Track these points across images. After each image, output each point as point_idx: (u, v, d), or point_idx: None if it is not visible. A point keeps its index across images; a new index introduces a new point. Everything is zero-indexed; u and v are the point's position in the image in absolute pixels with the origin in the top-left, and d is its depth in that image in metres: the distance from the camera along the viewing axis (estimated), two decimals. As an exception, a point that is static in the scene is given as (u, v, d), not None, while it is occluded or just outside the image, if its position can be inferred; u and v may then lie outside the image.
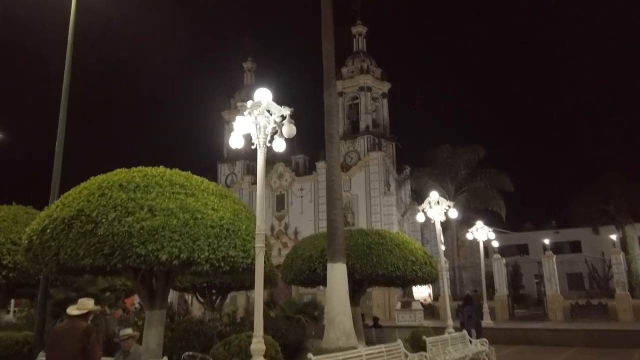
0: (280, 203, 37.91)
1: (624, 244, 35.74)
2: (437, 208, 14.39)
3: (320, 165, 36.62)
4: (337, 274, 10.69)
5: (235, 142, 7.58)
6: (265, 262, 8.78)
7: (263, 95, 7.47)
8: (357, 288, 14.21)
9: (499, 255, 27.47)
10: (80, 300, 5.99)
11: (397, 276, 13.13)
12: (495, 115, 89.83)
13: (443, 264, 14.63)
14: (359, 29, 39.81)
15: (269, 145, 7.54)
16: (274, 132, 7.68)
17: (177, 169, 9.04)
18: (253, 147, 7.54)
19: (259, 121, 7.40)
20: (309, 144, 44.71)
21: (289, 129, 7.35)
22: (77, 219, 7.37)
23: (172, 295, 34.66)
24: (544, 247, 32.01)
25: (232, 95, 44.01)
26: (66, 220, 7.41)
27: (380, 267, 12.89)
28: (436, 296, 29.75)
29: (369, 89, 37.31)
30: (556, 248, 37.23)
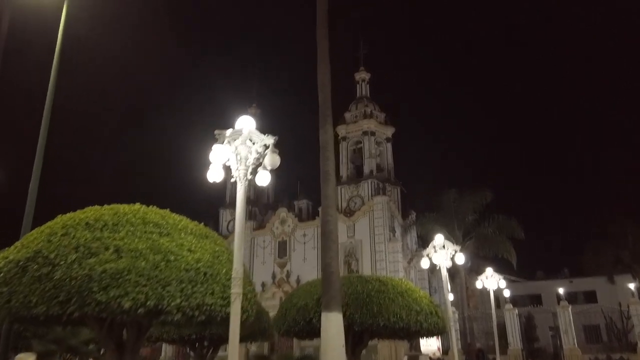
0: (282, 249, 36.80)
1: (642, 294, 33.95)
2: (443, 253, 13.40)
3: (324, 211, 35.80)
4: (333, 324, 9.65)
5: (214, 175, 6.83)
6: (248, 311, 7.86)
7: (245, 122, 6.78)
8: (357, 341, 13.04)
9: (511, 305, 26.04)
10: (18, 357, 5.08)
11: (400, 327, 11.99)
12: (503, 160, 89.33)
13: (451, 314, 13.47)
14: (362, 75, 40.02)
15: (250, 177, 6.77)
16: (258, 165, 6.95)
17: (154, 206, 8.27)
18: (233, 180, 6.77)
19: (239, 151, 6.68)
20: (313, 188, 43.93)
21: (272, 160, 6.61)
22: (33, 261, 6.55)
23: (169, 349, 33.05)
24: (558, 297, 30.48)
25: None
26: (21, 263, 6.59)
27: (382, 317, 11.79)
28: (446, 349, 28.03)
29: (373, 134, 36.98)
30: (570, 298, 35.56)
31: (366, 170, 35.98)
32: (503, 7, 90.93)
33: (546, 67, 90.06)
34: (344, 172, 37.03)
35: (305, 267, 34.75)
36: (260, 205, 41.16)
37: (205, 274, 7.13)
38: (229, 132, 6.67)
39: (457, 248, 13.61)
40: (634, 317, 24.46)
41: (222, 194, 42.27)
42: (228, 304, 7.23)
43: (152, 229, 7.31)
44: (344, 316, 12.04)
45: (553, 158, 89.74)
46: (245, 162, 6.69)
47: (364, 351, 14.09)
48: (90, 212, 7.42)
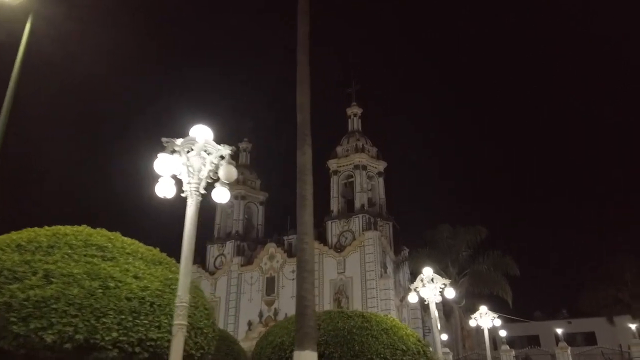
0: (270, 286, 35.50)
1: (644, 335, 32.69)
2: (432, 287, 12.47)
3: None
4: (305, 366, 8.62)
5: (164, 189, 6.02)
6: (204, 348, 6.91)
7: (200, 132, 6.04)
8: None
9: (507, 347, 24.76)
10: None
11: (384, 369, 10.92)
12: (499, 197, 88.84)
13: (440, 354, 12.40)
14: (354, 110, 39.82)
15: (203, 192, 5.98)
16: (215, 180, 6.18)
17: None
18: (183, 194, 5.98)
19: (192, 163, 5.91)
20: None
21: (227, 172, 5.84)
22: (-52, 286, 5.66)
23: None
24: (557, 338, 29.15)
25: (226, 174, 43.15)
26: None
27: (364, 357, 10.77)
28: (440, 394, 26.49)
29: (364, 168, 36.40)
30: (569, 339, 34.23)
31: (357, 204, 35.19)
32: (498, 34, 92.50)
33: (547, 100, 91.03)
34: (334, 206, 36.22)
35: (294, 304, 33.32)
36: (250, 240, 40.07)
37: (152, 304, 6.24)
38: (180, 141, 5.91)
39: (447, 282, 12.70)
40: (636, 358, 23.21)
41: (210, 229, 41.25)
42: (178, 340, 6.32)
43: (94, 252, 6.48)
44: (322, 356, 11.03)
45: (551, 197, 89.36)
46: (198, 175, 5.90)
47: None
48: (25, 233, 6.58)
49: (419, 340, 12.22)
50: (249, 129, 44.73)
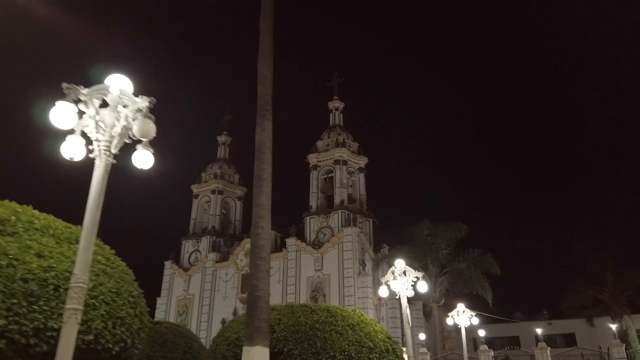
0: (246, 283, 34.32)
1: (623, 336, 32.36)
2: (403, 280, 11.59)
3: (291, 242, 33.80)
4: (255, 362, 7.68)
5: (72, 149, 5.00)
6: (125, 342, 5.89)
7: (116, 81, 5.04)
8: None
9: (486, 347, 24.07)
10: None
11: (348, 368, 10.00)
12: (481, 198, 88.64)
13: (411, 351, 11.52)
14: (335, 104, 38.93)
15: (115, 152, 4.98)
16: (138, 142, 5.18)
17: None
18: (92, 155, 4.97)
19: (103, 117, 4.91)
20: (282, 219, 42.05)
21: (143, 127, 4.85)
22: None
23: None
24: (537, 339, 28.63)
25: (204, 169, 42.01)
26: None
27: (326, 355, 9.83)
28: (416, 395, 25.73)
29: (345, 163, 35.53)
30: (549, 340, 33.80)
31: (337, 200, 34.29)
32: (482, 36, 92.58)
33: (526, 101, 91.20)
34: (313, 202, 35.28)
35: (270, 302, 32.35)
36: (226, 236, 38.95)
37: (56, 288, 5.23)
38: (88, 90, 4.91)
39: (420, 274, 11.82)
40: (617, 360, 22.69)
41: (186, 224, 40.02)
42: (89, 331, 5.32)
43: (-8, 226, 5.41)
44: (280, 353, 10.08)
45: (532, 197, 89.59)
46: (111, 132, 4.90)
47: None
48: None
49: (389, 338, 11.32)
50: (228, 123, 43.62)
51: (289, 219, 37.15)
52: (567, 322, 44.53)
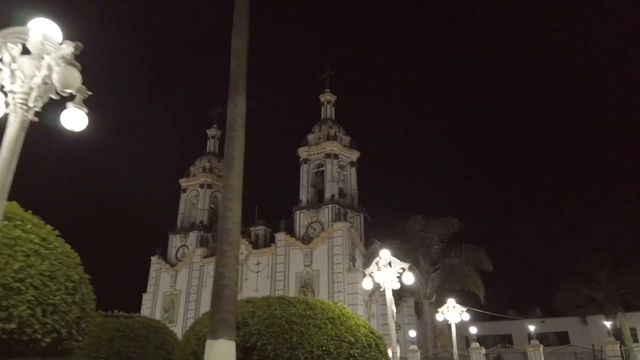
0: (233, 279, 33.66)
1: (617, 334, 31.87)
2: (388, 271, 10.88)
3: (280, 237, 33.07)
4: (219, 356, 6.96)
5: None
6: (60, 332, 5.14)
7: (39, 25, 4.28)
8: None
9: (477, 344, 23.44)
10: None
11: (326, 364, 9.28)
12: (474, 193, 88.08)
13: (395, 347, 10.83)
14: (327, 97, 38.20)
15: (36, 109, 4.22)
16: (69, 98, 4.42)
17: None
18: (7, 109, 4.21)
19: (21, 66, 4.15)
20: (272, 213, 41.27)
21: (64, 76, 4.09)
22: None
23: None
24: (529, 336, 28.05)
25: (193, 163, 41.20)
26: None
27: (302, 350, 9.12)
28: (406, 393, 25.10)
29: (336, 157, 34.81)
30: (542, 339, 33.29)
31: (327, 194, 33.57)
32: (474, 30, 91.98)
33: (527, 92, 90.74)
34: (304, 196, 34.55)
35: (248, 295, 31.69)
36: (215, 231, 38.05)
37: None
38: (1, 32, 4.15)
39: (406, 265, 11.13)
40: (610, 358, 22.12)
41: (174, 218, 39.18)
42: (10, 319, 4.56)
43: None
44: (253, 348, 9.36)
45: (526, 194, 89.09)
46: (29, 83, 4.15)
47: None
48: None
49: (372, 332, 10.62)
50: (218, 116, 42.75)
51: (279, 213, 36.40)
52: (560, 320, 44.13)
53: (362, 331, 10.20)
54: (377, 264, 11.09)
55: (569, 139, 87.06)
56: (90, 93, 4.53)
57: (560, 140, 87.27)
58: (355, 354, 9.63)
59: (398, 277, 11.10)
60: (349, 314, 10.49)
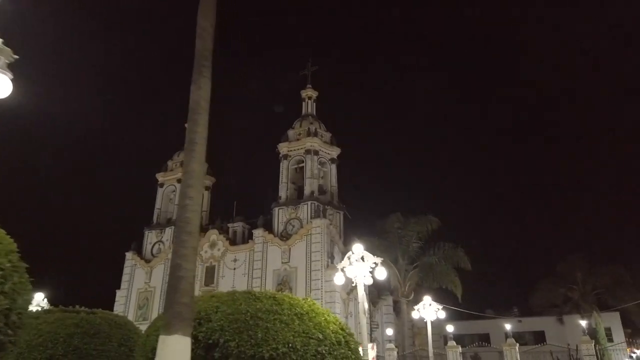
0: (209, 276, 33.09)
1: (592, 333, 32.12)
2: (360, 266, 10.51)
3: (258, 233, 32.56)
4: (172, 355, 6.50)
5: None
6: None
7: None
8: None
9: (454, 343, 23.28)
10: None
11: (292, 361, 8.86)
12: (454, 194, 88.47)
13: (367, 344, 10.46)
14: (308, 93, 37.77)
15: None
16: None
17: None
18: None
19: None
20: (252, 210, 40.69)
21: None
22: None
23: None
24: (506, 335, 28.10)
25: (171, 157, 40.35)
26: None
27: (267, 346, 8.67)
28: (382, 392, 24.84)
29: (316, 153, 34.39)
30: (519, 338, 33.45)
31: (307, 191, 33.14)
32: (461, 25, 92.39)
33: (509, 88, 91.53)
34: (283, 192, 34.08)
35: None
36: (192, 227, 37.34)
37: None
38: None
39: (379, 260, 10.77)
40: (585, 357, 22.17)
41: (149, 214, 38.31)
42: None
43: None
44: (215, 345, 8.88)
45: (506, 195, 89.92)
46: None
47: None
48: None
49: (342, 329, 10.21)
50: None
51: (258, 210, 35.88)
52: (536, 320, 44.55)
53: (331, 328, 9.79)
54: (349, 258, 10.70)
55: (551, 140, 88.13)
56: (16, 57, 4.03)
57: (541, 143, 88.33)
58: (324, 351, 9.21)
59: (371, 272, 10.72)
60: (318, 310, 10.07)
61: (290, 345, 8.83)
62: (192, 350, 9.03)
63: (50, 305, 19.97)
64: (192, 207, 7.52)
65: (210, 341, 8.86)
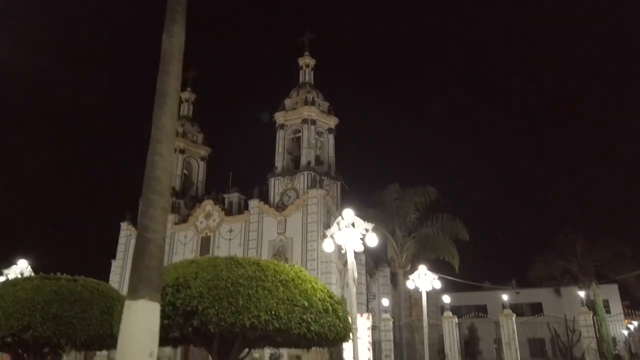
0: (205, 246, 32.79)
1: (590, 304, 31.97)
2: (350, 232, 9.99)
3: (253, 204, 32.13)
4: (138, 319, 6.00)
5: None
6: None
7: None
8: (227, 350, 9.42)
9: (450, 313, 23.04)
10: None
11: (276, 329, 8.44)
12: (453, 166, 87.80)
13: (356, 313, 10.02)
14: (306, 61, 36.71)
15: None
16: None
17: None
18: None
19: None
20: (247, 180, 40.28)
21: None
22: None
23: None
24: (503, 306, 27.92)
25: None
26: None
27: (248, 314, 8.23)
28: (378, 362, 24.73)
29: (313, 122, 33.62)
30: (517, 310, 33.27)
31: (303, 161, 32.52)
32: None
33: (510, 60, 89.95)
34: (279, 162, 33.47)
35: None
36: (187, 198, 36.93)
37: None
38: None
39: (370, 226, 10.25)
40: (584, 328, 21.95)
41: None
42: None
43: None
44: (194, 312, 8.44)
45: (506, 167, 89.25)
46: None
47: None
48: None
49: (331, 297, 9.77)
50: (192, 79, 40.98)
51: (254, 180, 35.35)
52: (534, 292, 44.50)
53: (318, 295, 9.34)
54: (338, 224, 10.18)
55: (551, 113, 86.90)
56: None
57: (540, 115, 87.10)
58: (309, 319, 8.79)
59: (362, 239, 10.22)
60: (305, 277, 9.60)
61: (273, 312, 8.39)
62: (170, 317, 8.62)
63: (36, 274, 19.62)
64: (162, 165, 6.90)
65: (189, 308, 8.42)
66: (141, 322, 6.09)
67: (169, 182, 7.20)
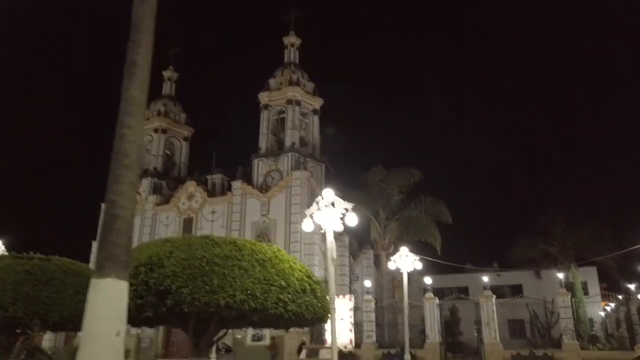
0: (187, 228, 32.45)
1: (569, 286, 32.51)
2: (330, 212, 9.81)
3: (236, 185, 31.80)
4: (105, 297, 5.76)
5: None
6: None
7: None
8: (203, 330, 9.25)
9: (431, 294, 23.22)
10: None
11: (251, 309, 8.28)
12: (438, 148, 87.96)
13: (334, 294, 9.91)
14: (291, 40, 36.07)
15: None
16: None
17: None
18: None
19: None
20: (231, 161, 39.77)
21: None
22: None
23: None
24: (484, 287, 28.24)
25: (147, 106, 38.73)
26: None
27: (223, 293, 8.06)
28: (359, 342, 24.91)
29: (298, 103, 33.20)
30: (497, 292, 33.70)
31: (287, 142, 32.19)
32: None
33: (490, 45, 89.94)
34: (263, 143, 33.10)
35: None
36: (170, 178, 36.45)
37: None
38: None
39: (350, 206, 10.08)
40: (562, 309, 22.30)
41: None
42: None
43: None
44: (168, 291, 8.24)
45: (489, 149, 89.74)
46: None
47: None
48: None
49: (309, 277, 9.64)
50: (174, 56, 40.10)
51: (237, 161, 34.96)
52: (515, 274, 45.04)
53: (296, 275, 9.20)
54: (317, 203, 9.99)
55: (533, 94, 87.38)
56: None
57: (524, 98, 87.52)
58: (286, 299, 8.65)
59: (341, 219, 10.05)
60: (283, 257, 9.45)
61: (249, 292, 8.23)
62: (143, 297, 8.40)
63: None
64: (131, 138, 6.57)
65: (162, 287, 8.21)
66: (108, 301, 5.85)
67: (138, 156, 6.89)
